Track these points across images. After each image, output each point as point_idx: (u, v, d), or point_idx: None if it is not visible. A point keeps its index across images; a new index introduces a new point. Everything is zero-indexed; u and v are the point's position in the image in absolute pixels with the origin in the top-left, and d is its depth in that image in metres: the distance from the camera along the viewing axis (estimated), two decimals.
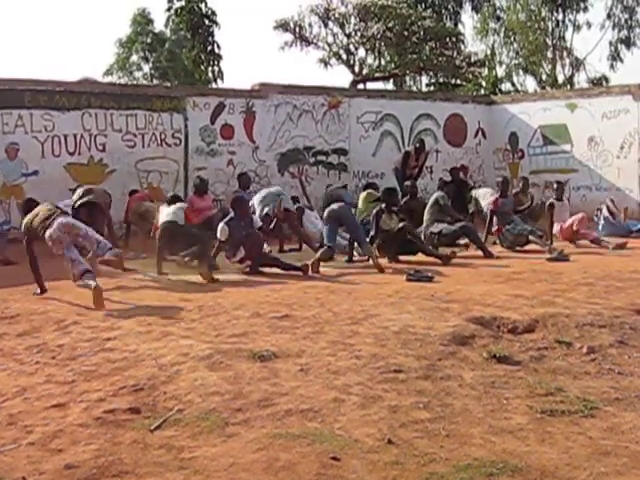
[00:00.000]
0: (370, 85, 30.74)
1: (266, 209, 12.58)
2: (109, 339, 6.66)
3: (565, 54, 36.35)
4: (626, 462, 4.12)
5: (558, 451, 4.27)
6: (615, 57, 36.11)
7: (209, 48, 33.55)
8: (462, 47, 30.75)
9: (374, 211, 12.09)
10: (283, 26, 29.20)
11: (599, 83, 33.88)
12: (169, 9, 35.23)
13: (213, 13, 34.12)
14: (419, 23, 28.27)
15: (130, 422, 4.72)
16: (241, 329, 6.90)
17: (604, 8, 36.12)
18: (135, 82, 39.78)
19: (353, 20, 28.87)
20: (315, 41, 29.74)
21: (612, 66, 36.24)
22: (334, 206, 11.80)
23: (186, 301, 8.30)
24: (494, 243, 13.03)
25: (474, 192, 15.16)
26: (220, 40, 33.31)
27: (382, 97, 19.39)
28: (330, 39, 29.75)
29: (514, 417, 4.80)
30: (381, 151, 18.68)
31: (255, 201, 12.86)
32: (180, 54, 38.75)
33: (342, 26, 29.20)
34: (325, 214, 11.64)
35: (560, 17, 35.51)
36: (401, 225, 11.65)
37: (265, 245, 11.15)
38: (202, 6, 33.70)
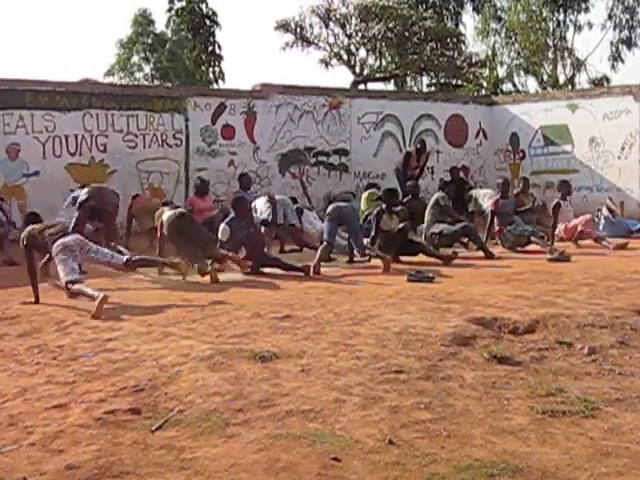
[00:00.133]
0: (371, 86, 30.76)
1: (265, 215, 12.49)
2: (110, 340, 6.66)
3: (566, 54, 36.32)
4: (627, 463, 4.12)
5: (559, 452, 4.27)
6: (616, 57, 36.09)
7: (210, 49, 33.62)
8: (463, 47, 30.76)
9: (374, 211, 12.10)
10: (284, 27, 29.21)
11: (600, 84, 33.86)
12: (170, 10, 35.32)
13: (214, 14, 34.21)
14: (420, 24, 28.28)
15: (131, 423, 4.72)
16: (242, 330, 6.90)
17: (605, 8, 36.18)
18: (136, 83, 39.76)
19: (354, 21, 28.89)
20: (316, 42, 29.76)
21: (613, 66, 36.24)
22: (340, 204, 11.83)
23: (187, 301, 8.30)
24: (495, 244, 13.03)
25: (474, 192, 15.17)
26: (221, 41, 33.45)
27: (383, 98, 19.40)
28: (331, 40, 29.79)
29: (515, 418, 4.80)
30: (382, 152, 18.68)
31: (259, 205, 12.77)
32: (181, 55, 38.79)
33: (343, 27, 29.21)
34: (330, 209, 11.53)
35: (561, 17, 35.50)
36: (401, 225, 11.64)
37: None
38: (203, 7, 33.79)
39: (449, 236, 12.53)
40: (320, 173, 17.94)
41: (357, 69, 30.53)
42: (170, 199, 14.92)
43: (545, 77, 36.41)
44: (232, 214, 10.83)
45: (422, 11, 30.86)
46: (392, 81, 33.23)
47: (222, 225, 10.59)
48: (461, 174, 17.69)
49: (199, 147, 16.56)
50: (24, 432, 4.59)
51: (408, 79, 34.04)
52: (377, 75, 31.24)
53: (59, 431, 4.57)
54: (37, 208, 13.18)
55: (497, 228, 13.13)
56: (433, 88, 33.11)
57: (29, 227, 9.02)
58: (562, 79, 36.03)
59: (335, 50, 30.07)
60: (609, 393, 5.29)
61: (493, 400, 5.12)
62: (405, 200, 13.34)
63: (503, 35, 36.53)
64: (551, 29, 35.65)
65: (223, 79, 34.33)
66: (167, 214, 10.75)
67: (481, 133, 20.16)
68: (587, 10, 35.48)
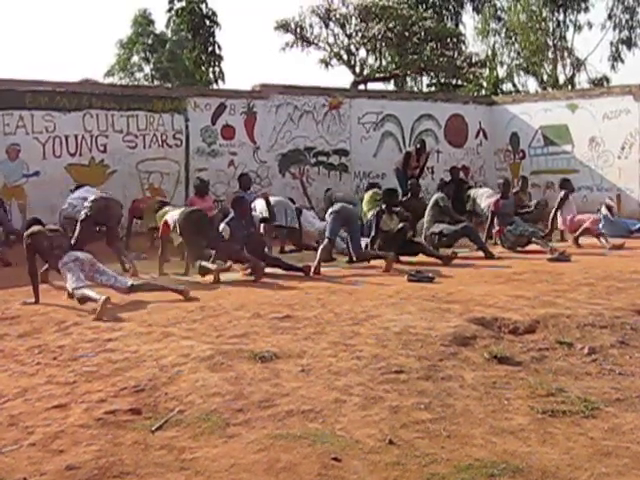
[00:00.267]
0: (371, 86, 30.76)
1: (264, 214, 12.44)
2: (110, 340, 6.66)
3: (566, 54, 36.33)
4: (627, 463, 4.13)
5: (559, 452, 4.27)
6: (616, 57, 36.10)
7: (210, 49, 33.63)
8: (463, 48, 30.75)
9: (374, 211, 12.10)
10: (284, 27, 29.20)
11: (600, 84, 33.86)
12: (170, 10, 35.33)
13: (214, 14, 34.21)
14: (420, 24, 28.27)
15: (131, 423, 4.72)
16: (242, 330, 6.90)
17: (605, 8, 36.20)
18: (136, 83, 39.77)
19: (354, 21, 28.88)
20: (316, 42, 29.75)
21: (613, 66, 36.25)
22: (349, 206, 11.82)
23: (187, 302, 8.30)
24: (494, 244, 13.03)
25: (472, 191, 15.17)
26: (221, 41, 33.47)
27: (383, 98, 19.40)
28: (331, 40, 29.78)
29: (515, 418, 4.80)
30: (382, 152, 18.68)
31: (259, 206, 12.74)
32: (181, 55, 38.78)
33: (343, 27, 29.20)
34: (337, 208, 11.41)
35: (561, 17, 35.51)
36: (400, 225, 11.64)
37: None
38: (203, 7, 33.79)
39: (449, 236, 12.53)
40: (320, 173, 17.94)
41: (357, 69, 30.52)
42: (170, 199, 14.92)
43: (545, 77, 36.41)
44: (232, 214, 10.82)
45: (422, 11, 30.86)
46: (392, 81, 33.22)
47: (222, 225, 10.58)
48: (461, 174, 17.70)
49: (199, 147, 16.57)
50: (24, 432, 4.60)
51: (408, 79, 34.04)
52: (377, 75, 31.23)
53: (59, 431, 4.58)
54: (37, 208, 13.25)
55: (497, 228, 13.12)
56: (433, 88, 33.11)
57: (33, 227, 8.98)
58: (562, 79, 36.04)
59: (335, 50, 30.07)
60: (609, 393, 5.29)
61: (493, 400, 5.12)
62: (404, 199, 13.34)
63: (503, 35, 36.55)
64: (551, 29, 35.66)
65: (223, 79, 34.36)
66: (180, 210, 10.74)
67: (481, 133, 20.17)
68: (587, 10, 35.52)
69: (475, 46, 35.49)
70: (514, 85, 36.82)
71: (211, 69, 33.88)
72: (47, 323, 7.40)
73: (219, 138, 16.78)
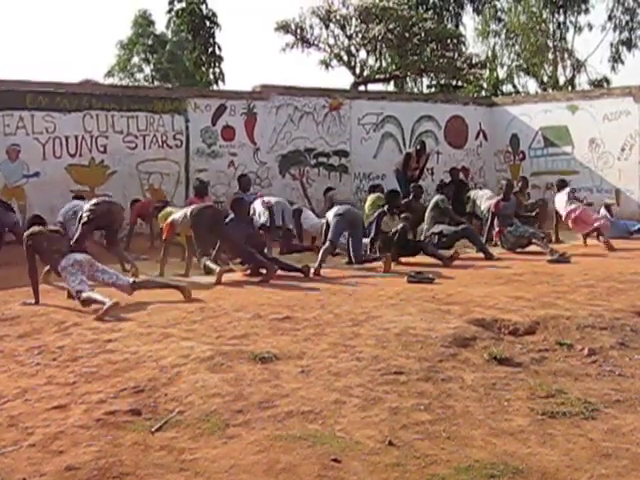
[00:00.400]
0: (371, 87, 30.73)
1: (263, 218, 12.42)
2: (110, 341, 6.66)
3: (566, 56, 36.33)
4: (627, 464, 4.13)
5: (559, 453, 4.27)
6: (616, 59, 36.08)
7: (210, 50, 33.59)
8: (463, 49, 30.72)
9: (376, 213, 12.11)
10: (284, 28, 29.18)
11: (600, 85, 33.86)
12: (170, 11, 35.28)
13: (214, 15, 34.16)
14: (420, 25, 28.25)
15: (131, 424, 4.72)
16: (242, 331, 6.90)
17: (605, 10, 36.15)
18: (136, 84, 39.80)
19: (354, 22, 28.85)
20: (316, 43, 29.72)
21: (613, 68, 36.23)
22: (354, 209, 11.80)
23: (187, 303, 8.30)
24: (495, 245, 13.03)
25: (472, 193, 15.17)
26: (221, 42, 33.46)
27: (383, 99, 19.39)
28: (331, 41, 29.75)
29: (515, 419, 4.80)
30: (382, 153, 18.67)
31: (257, 207, 12.72)
32: (181, 56, 38.79)
33: (343, 28, 29.17)
34: (343, 209, 11.43)
35: (561, 19, 35.50)
36: (400, 225, 11.64)
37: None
38: (203, 8, 33.74)
39: (449, 237, 12.54)
40: (320, 174, 17.93)
41: (357, 70, 30.51)
42: (170, 200, 14.93)
43: (545, 78, 36.41)
44: (232, 215, 10.82)
45: (422, 12, 30.85)
46: (392, 82, 33.20)
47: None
48: (461, 175, 17.70)
49: (199, 148, 16.56)
50: (24, 433, 4.60)
51: (408, 80, 34.01)
52: (377, 76, 31.22)
53: (59, 432, 4.58)
54: (37, 209, 13.21)
55: (497, 229, 13.13)
56: (433, 89, 33.10)
57: (33, 227, 8.98)
58: (562, 80, 36.04)
59: (335, 51, 30.05)
60: (609, 394, 5.29)
61: (493, 401, 5.12)
62: (407, 201, 13.35)
63: (503, 36, 36.53)
64: (551, 30, 35.67)
65: (223, 80, 34.28)
66: (184, 210, 10.73)
67: (481, 134, 20.15)
68: (587, 11, 35.51)
69: (475, 47, 35.52)
70: (514, 86, 36.84)
71: (211, 70, 33.83)
72: (47, 324, 7.40)
73: (219, 139, 16.77)
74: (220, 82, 34.05)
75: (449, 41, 29.23)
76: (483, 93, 33.43)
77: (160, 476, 3.99)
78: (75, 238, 10.19)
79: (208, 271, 10.06)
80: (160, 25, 42.48)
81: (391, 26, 27.85)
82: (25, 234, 8.87)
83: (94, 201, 11.23)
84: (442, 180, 17.05)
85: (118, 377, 5.61)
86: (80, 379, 5.61)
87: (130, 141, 15.83)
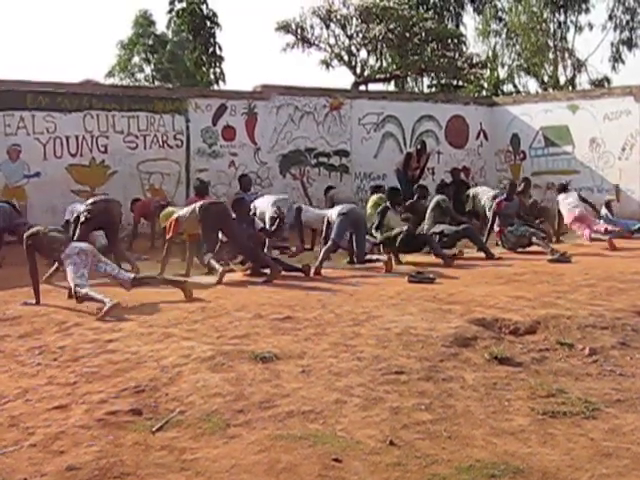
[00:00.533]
0: (372, 86, 30.75)
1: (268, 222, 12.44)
2: (111, 341, 6.66)
3: (567, 55, 36.32)
4: (627, 464, 4.13)
5: (560, 452, 4.27)
6: (617, 58, 36.07)
7: (210, 50, 33.66)
8: (464, 48, 30.75)
9: (380, 208, 12.13)
10: (285, 28, 29.20)
11: (601, 84, 33.85)
12: (170, 11, 35.37)
13: (214, 15, 34.24)
14: (421, 24, 28.27)
15: (132, 424, 4.72)
16: (243, 330, 6.90)
17: (606, 9, 36.14)
18: (137, 84, 39.80)
19: (355, 22, 28.86)
20: (317, 43, 29.74)
21: (614, 67, 36.22)
22: (357, 208, 11.80)
23: (188, 302, 8.30)
24: (495, 244, 13.03)
25: (471, 191, 15.17)
26: (222, 42, 33.50)
27: (384, 98, 19.40)
28: (332, 40, 29.76)
29: (516, 418, 4.80)
30: (383, 153, 18.69)
31: (264, 206, 12.71)
32: (182, 56, 38.80)
33: (344, 27, 29.18)
34: (347, 209, 11.38)
35: (562, 18, 35.49)
36: (405, 228, 11.64)
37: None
38: (203, 8, 33.80)
39: (450, 236, 12.53)
40: (321, 174, 17.95)
41: (358, 70, 30.51)
42: (171, 200, 14.93)
43: (546, 78, 36.40)
44: (232, 215, 10.80)
45: (423, 12, 30.88)
46: (393, 82, 33.21)
47: None
48: (462, 175, 17.69)
49: (200, 148, 16.58)
50: (25, 433, 4.60)
51: (409, 80, 34.03)
52: (378, 76, 31.23)
53: (60, 432, 4.58)
54: (38, 209, 13.25)
55: (497, 229, 13.13)
56: (434, 89, 33.11)
57: (32, 229, 9.00)
58: (563, 80, 36.04)
59: (336, 51, 30.06)
60: (610, 394, 5.29)
61: (494, 401, 5.12)
62: (410, 201, 13.35)
63: (504, 36, 36.52)
64: (552, 30, 35.66)
65: (224, 80, 34.38)
66: (187, 208, 10.72)
67: (482, 134, 20.16)
68: (588, 11, 35.50)
69: (476, 47, 35.53)
70: (515, 86, 36.83)
71: (212, 70, 33.91)
72: (48, 324, 7.40)
73: (220, 139, 16.79)
74: (221, 82, 34.17)
75: (450, 41, 29.25)
76: (484, 93, 33.44)
77: (161, 476, 3.99)
78: (75, 239, 10.19)
79: (210, 269, 10.06)
80: (161, 25, 42.51)
81: (392, 26, 27.87)
82: (25, 235, 8.88)
83: (91, 200, 11.27)
84: (443, 180, 17.05)
85: (119, 377, 5.61)
86: (81, 379, 5.61)
87: (131, 141, 15.85)
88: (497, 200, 13.39)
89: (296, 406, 4.95)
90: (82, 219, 10.66)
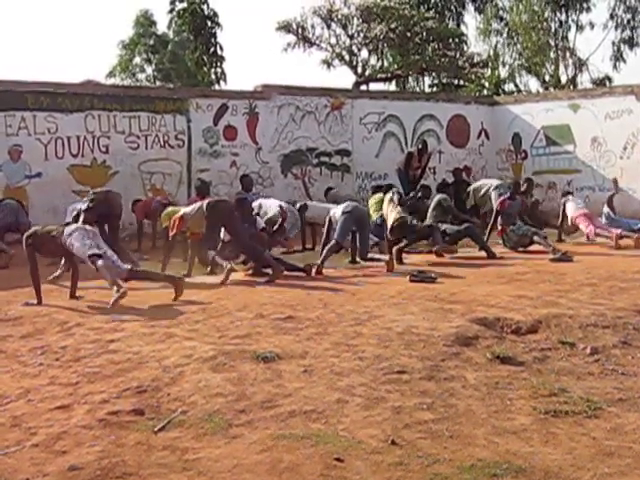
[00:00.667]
0: (373, 86, 30.75)
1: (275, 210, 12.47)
2: (112, 341, 6.66)
3: (568, 54, 36.26)
4: (630, 463, 4.13)
5: (562, 452, 4.27)
6: (618, 57, 36.00)
7: (212, 50, 33.61)
8: (465, 48, 30.74)
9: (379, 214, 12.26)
10: (286, 27, 29.18)
11: (602, 83, 33.81)
12: (171, 11, 35.31)
13: (215, 14, 34.17)
14: (422, 24, 28.25)
15: (134, 424, 4.72)
16: (244, 330, 6.91)
17: (607, 8, 36.11)
18: (138, 84, 39.81)
19: (356, 21, 28.84)
20: (318, 42, 29.72)
21: (615, 66, 36.14)
22: (360, 207, 11.81)
23: (189, 302, 8.30)
24: (497, 243, 13.02)
25: (471, 187, 15.16)
26: (223, 41, 33.44)
27: (385, 98, 19.41)
28: (333, 40, 29.74)
29: (518, 418, 4.80)
30: (384, 152, 18.69)
31: (270, 203, 12.73)
32: (183, 56, 38.77)
33: (345, 27, 29.16)
34: (350, 207, 11.30)
35: (563, 17, 35.42)
36: (400, 215, 11.75)
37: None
38: (204, 8, 33.75)
39: (452, 236, 12.53)
40: (322, 174, 17.95)
41: (359, 70, 30.50)
42: (173, 200, 14.93)
43: (547, 77, 36.36)
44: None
45: (424, 11, 30.82)
46: (394, 81, 33.18)
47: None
48: (463, 175, 17.68)
49: (201, 148, 16.57)
50: (27, 433, 4.60)
51: (410, 79, 34.00)
52: (379, 75, 31.21)
53: (62, 432, 4.58)
54: (39, 210, 13.24)
55: (499, 228, 13.13)
56: (435, 88, 33.09)
57: (32, 229, 9.02)
58: (564, 79, 35.99)
59: (337, 51, 30.04)
60: (612, 393, 5.29)
61: (496, 400, 5.12)
62: (414, 201, 13.37)
63: (505, 35, 36.45)
64: (553, 29, 35.60)
65: (225, 80, 34.28)
66: (193, 206, 10.72)
67: (483, 133, 20.16)
68: (589, 10, 35.43)
69: (477, 46, 35.47)
70: (516, 85, 36.78)
71: (213, 70, 33.84)
72: (49, 324, 7.40)
73: (221, 139, 16.79)
74: (222, 82, 34.08)
75: (451, 40, 29.24)
76: (485, 92, 33.40)
77: (163, 476, 4.00)
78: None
79: (213, 266, 10.09)
80: (162, 25, 42.54)
81: (393, 25, 27.85)
82: (25, 235, 8.90)
83: (92, 191, 11.50)
84: (444, 179, 17.05)
85: (121, 377, 5.61)
86: (83, 379, 5.61)
87: (132, 141, 15.85)
88: (501, 199, 13.39)
89: (298, 406, 4.95)
90: (85, 207, 10.81)
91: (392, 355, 6.06)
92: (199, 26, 33.20)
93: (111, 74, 42.21)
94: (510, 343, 6.58)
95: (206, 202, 10.48)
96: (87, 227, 8.79)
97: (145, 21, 42.69)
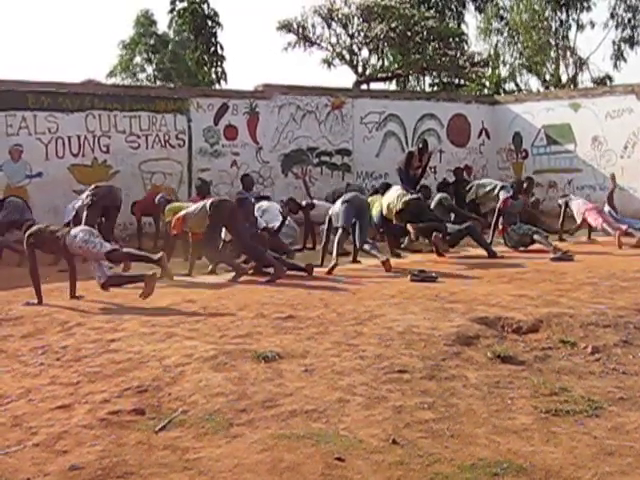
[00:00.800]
0: (373, 85, 30.78)
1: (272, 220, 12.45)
2: (113, 340, 6.66)
3: (568, 54, 36.25)
4: (631, 462, 4.12)
5: (563, 451, 4.27)
6: (619, 56, 36.00)
7: (212, 49, 33.63)
8: (465, 47, 30.78)
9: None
10: (286, 27, 29.21)
11: (603, 83, 33.81)
12: (172, 10, 35.34)
13: (216, 14, 34.19)
14: (422, 23, 28.27)
15: (135, 423, 4.72)
16: (245, 330, 6.91)
17: (607, 7, 36.09)
18: (138, 83, 39.82)
19: (356, 20, 28.87)
20: (318, 42, 29.75)
21: (616, 65, 36.14)
22: (360, 195, 11.85)
23: (190, 302, 8.30)
24: (498, 243, 13.02)
25: (476, 181, 15.16)
26: (223, 41, 33.46)
27: (385, 97, 19.42)
28: (333, 40, 29.79)
29: (518, 417, 4.79)
30: (385, 151, 18.69)
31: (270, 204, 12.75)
32: (183, 55, 38.79)
33: (345, 27, 29.19)
34: (350, 196, 11.41)
35: (563, 17, 35.41)
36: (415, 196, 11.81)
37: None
38: (205, 7, 33.77)
39: (453, 235, 12.55)
40: (323, 173, 17.96)
41: (359, 69, 30.52)
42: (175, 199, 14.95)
43: (547, 76, 36.35)
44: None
45: (424, 11, 30.83)
46: (394, 81, 33.20)
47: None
48: (464, 175, 17.67)
49: (202, 148, 16.58)
50: (28, 433, 4.60)
51: (410, 79, 34.02)
52: (379, 75, 31.24)
53: (63, 432, 4.58)
54: (40, 209, 13.24)
55: (500, 227, 13.14)
56: (435, 88, 33.11)
57: (33, 228, 9.00)
58: (564, 78, 35.98)
59: (337, 50, 30.06)
60: (613, 392, 5.28)
61: (497, 399, 5.12)
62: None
63: (505, 34, 36.45)
64: (553, 28, 35.59)
65: (225, 80, 34.30)
66: (196, 205, 10.71)
67: (484, 132, 20.17)
68: (589, 9, 35.42)
69: (477, 45, 35.51)
70: (517, 84, 36.77)
71: (213, 69, 33.86)
72: (50, 324, 7.41)
73: (222, 138, 16.80)
74: (222, 81, 34.11)
75: (451, 39, 29.26)
76: (485, 91, 33.38)
77: (164, 475, 3.99)
78: (83, 222, 10.31)
79: (213, 266, 10.12)
80: (162, 25, 42.58)
81: (393, 25, 27.87)
82: (26, 234, 8.87)
83: (93, 186, 11.54)
84: (445, 179, 17.05)
85: (122, 377, 5.61)
86: (84, 379, 5.61)
87: (133, 141, 15.85)
88: (503, 198, 13.41)
89: (299, 405, 4.95)
90: (88, 202, 10.82)
91: (393, 354, 6.06)
92: (200, 26, 33.21)
93: (112, 74, 42.27)
94: (511, 342, 6.58)
95: (209, 202, 10.48)
96: (92, 230, 8.81)
97: (146, 21, 42.71)
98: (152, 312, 7.80)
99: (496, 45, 36.63)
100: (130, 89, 19.81)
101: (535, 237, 12.56)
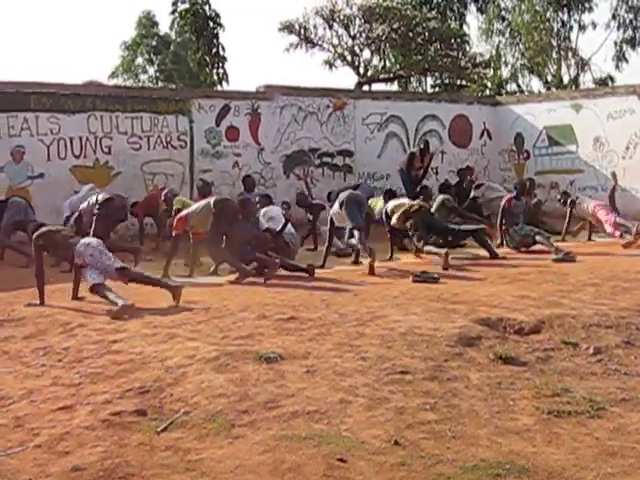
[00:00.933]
0: (375, 86, 30.74)
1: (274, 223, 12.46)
2: (115, 341, 6.66)
3: (570, 54, 36.26)
4: (633, 463, 4.12)
5: (565, 452, 4.27)
6: (620, 57, 35.99)
7: (214, 50, 33.59)
8: (467, 48, 30.74)
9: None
10: (288, 28, 29.19)
11: (604, 83, 33.79)
12: (174, 12, 35.31)
13: (217, 15, 34.15)
14: (424, 24, 28.24)
15: (136, 424, 4.72)
16: (247, 331, 6.91)
17: (609, 8, 36.04)
18: (140, 85, 39.83)
19: (358, 22, 28.85)
20: (320, 43, 29.73)
21: (617, 66, 36.14)
22: (355, 192, 11.85)
23: (192, 303, 8.30)
24: (500, 244, 13.01)
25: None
26: (225, 42, 33.38)
27: (387, 98, 19.39)
28: (335, 41, 29.76)
29: (521, 418, 4.79)
30: (386, 152, 18.68)
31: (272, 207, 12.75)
32: (185, 56, 38.79)
33: (347, 28, 29.17)
34: (343, 197, 11.38)
35: (565, 17, 35.42)
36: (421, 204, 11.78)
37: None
38: (206, 8, 33.75)
39: (459, 234, 12.56)
40: (324, 174, 17.95)
41: (361, 70, 30.50)
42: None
43: (549, 77, 36.37)
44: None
45: (426, 12, 30.81)
46: (396, 82, 33.18)
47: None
48: (468, 176, 17.66)
49: (203, 149, 16.58)
50: (30, 434, 4.60)
51: (412, 80, 34.00)
52: (381, 76, 31.21)
53: (65, 433, 4.58)
54: (42, 210, 13.24)
55: (503, 228, 13.14)
56: (437, 89, 33.07)
57: (41, 229, 8.98)
58: (566, 79, 35.99)
59: (339, 51, 30.05)
60: (615, 393, 5.28)
61: (499, 400, 5.12)
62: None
63: (507, 35, 36.47)
64: (555, 29, 35.60)
65: (227, 81, 34.25)
66: (198, 205, 10.71)
67: (485, 133, 20.16)
68: (591, 10, 35.43)
69: (479, 46, 35.47)
70: (518, 85, 36.79)
71: (215, 70, 33.82)
72: (52, 325, 7.41)
73: (223, 139, 16.79)
74: (224, 83, 34.05)
75: (453, 40, 29.23)
76: (487, 92, 33.42)
77: (166, 476, 4.00)
78: (92, 233, 10.29)
79: (216, 267, 10.14)
80: (164, 26, 42.54)
81: (395, 26, 27.86)
82: (34, 235, 8.86)
83: (107, 196, 11.41)
84: (446, 180, 17.04)
85: (123, 378, 5.61)
86: (85, 380, 5.61)
87: (134, 142, 15.86)
88: (507, 197, 13.42)
89: (301, 406, 4.95)
90: (101, 214, 10.79)
91: (395, 355, 6.06)
92: (201, 27, 33.18)
93: (113, 75, 42.25)
94: (513, 343, 6.57)
95: (213, 199, 10.48)
96: (94, 242, 8.77)
97: (147, 22, 42.70)
98: (154, 313, 7.80)
99: (498, 46, 36.66)
100: (132, 90, 19.76)
101: (537, 238, 12.56)
